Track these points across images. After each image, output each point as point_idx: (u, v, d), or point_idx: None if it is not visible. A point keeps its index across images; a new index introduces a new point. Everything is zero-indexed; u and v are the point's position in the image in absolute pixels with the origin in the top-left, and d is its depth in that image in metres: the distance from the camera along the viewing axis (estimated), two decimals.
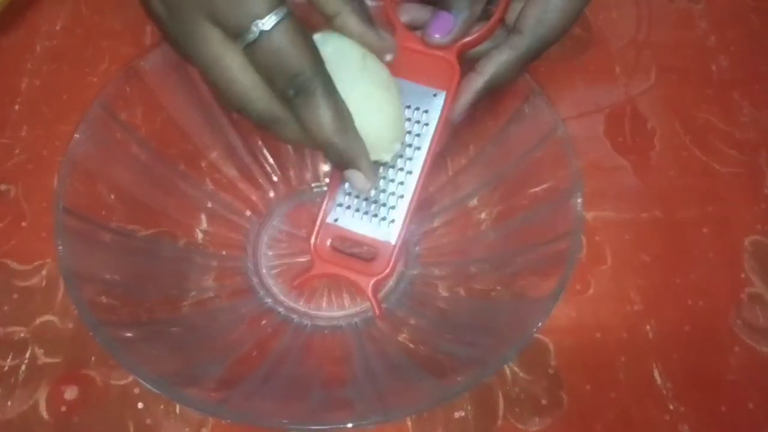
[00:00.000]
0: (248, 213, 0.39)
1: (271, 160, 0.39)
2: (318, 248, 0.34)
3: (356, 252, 0.35)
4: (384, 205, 0.33)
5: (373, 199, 0.34)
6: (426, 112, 0.32)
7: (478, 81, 0.31)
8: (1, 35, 0.45)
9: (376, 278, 0.34)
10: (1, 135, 0.41)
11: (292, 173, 0.39)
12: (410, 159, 0.32)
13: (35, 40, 0.45)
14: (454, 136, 0.38)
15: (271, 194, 0.39)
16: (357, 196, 0.34)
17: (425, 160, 0.32)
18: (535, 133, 0.33)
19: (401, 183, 0.33)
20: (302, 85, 0.25)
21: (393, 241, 0.33)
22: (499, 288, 0.35)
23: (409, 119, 0.32)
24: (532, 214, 0.34)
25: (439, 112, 0.32)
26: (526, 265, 0.34)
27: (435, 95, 0.32)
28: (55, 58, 0.44)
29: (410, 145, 0.32)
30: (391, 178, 0.33)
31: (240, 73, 0.25)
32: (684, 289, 0.37)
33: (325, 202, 0.34)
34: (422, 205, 0.39)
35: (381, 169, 0.32)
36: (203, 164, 0.38)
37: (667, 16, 0.48)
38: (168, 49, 0.34)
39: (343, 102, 0.26)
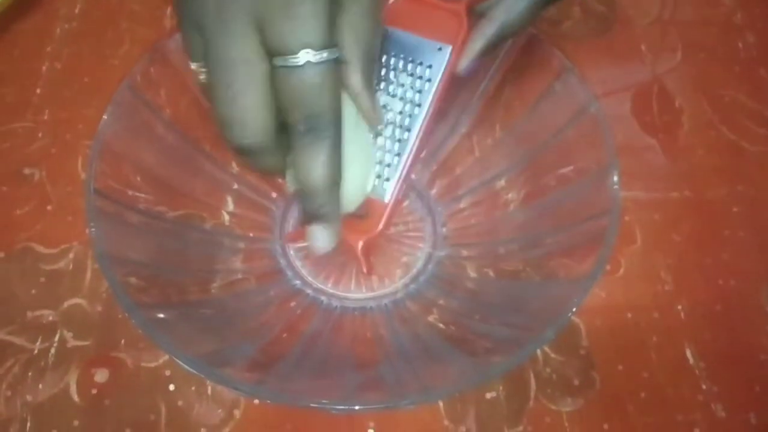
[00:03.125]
0: (274, 195, 0.38)
1: None
2: None
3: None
4: (380, 162, 0.32)
5: (376, 163, 0.32)
6: (429, 67, 0.30)
7: (488, 28, 0.29)
8: (20, 19, 0.44)
9: (366, 236, 0.32)
10: (23, 119, 0.41)
11: None
12: (410, 116, 0.31)
13: (54, 23, 0.44)
14: (482, 116, 0.38)
15: None
16: None
17: (425, 118, 0.31)
18: (566, 111, 0.33)
19: (399, 140, 0.31)
20: (318, 126, 0.24)
21: (386, 199, 0.32)
22: (528, 269, 0.34)
23: (411, 74, 0.31)
24: (563, 194, 0.34)
25: (443, 67, 0.30)
26: (557, 245, 0.33)
27: (440, 49, 0.30)
28: (74, 41, 0.44)
29: (410, 102, 0.31)
30: (388, 134, 0.31)
31: (254, 87, 0.23)
32: (715, 268, 0.37)
33: None
34: (449, 187, 0.39)
35: (380, 127, 0.31)
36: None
37: None
38: None
39: (341, 160, 0.26)
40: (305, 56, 0.23)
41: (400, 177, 0.32)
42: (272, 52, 0.23)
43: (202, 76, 0.25)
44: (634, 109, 0.42)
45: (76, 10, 0.45)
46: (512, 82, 0.36)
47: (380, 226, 0.32)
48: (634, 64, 0.44)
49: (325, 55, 0.23)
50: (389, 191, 0.32)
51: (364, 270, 0.33)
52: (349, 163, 0.27)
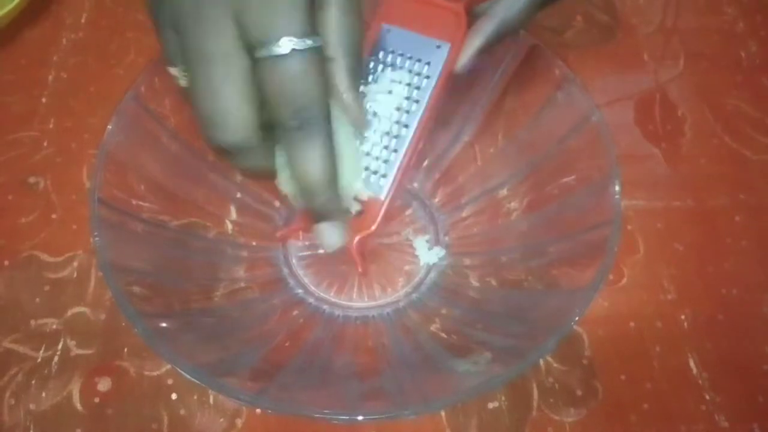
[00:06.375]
0: (277, 203, 0.38)
1: None
2: None
3: None
4: (376, 158, 0.31)
5: (365, 153, 0.31)
6: (428, 64, 0.31)
7: (487, 26, 0.30)
8: (26, 28, 0.45)
9: (361, 235, 0.31)
10: (29, 128, 0.41)
11: None
12: (407, 112, 0.31)
13: (61, 32, 0.45)
14: (484, 125, 0.38)
15: None
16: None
17: (423, 114, 0.31)
18: (568, 120, 0.33)
19: (396, 137, 0.31)
20: (309, 120, 0.23)
21: (382, 196, 0.31)
22: (531, 278, 0.34)
23: (410, 71, 0.31)
24: (565, 204, 0.34)
25: (441, 65, 0.30)
26: (559, 255, 0.33)
27: (439, 47, 0.30)
28: (80, 50, 0.44)
29: (408, 98, 0.31)
30: (385, 130, 0.31)
31: (234, 81, 0.23)
32: (717, 277, 0.37)
33: None
34: (451, 195, 0.39)
35: (376, 121, 0.31)
36: None
37: (695, 2, 0.47)
38: None
39: (333, 156, 0.25)
40: (289, 44, 0.22)
41: (396, 174, 0.31)
42: (254, 44, 0.23)
43: (183, 81, 0.25)
44: (637, 117, 0.42)
45: (83, 20, 0.46)
46: (514, 92, 0.36)
47: (375, 225, 0.31)
48: (637, 72, 0.44)
49: (309, 42, 0.23)
50: (385, 188, 0.31)
51: (359, 269, 0.33)
52: (339, 159, 0.26)
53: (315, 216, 0.27)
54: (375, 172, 0.31)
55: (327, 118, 0.24)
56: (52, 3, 0.46)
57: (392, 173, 0.31)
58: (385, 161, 0.31)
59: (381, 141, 0.31)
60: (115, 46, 0.44)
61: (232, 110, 0.23)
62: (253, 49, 0.23)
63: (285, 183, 0.27)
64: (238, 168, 0.26)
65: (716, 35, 0.46)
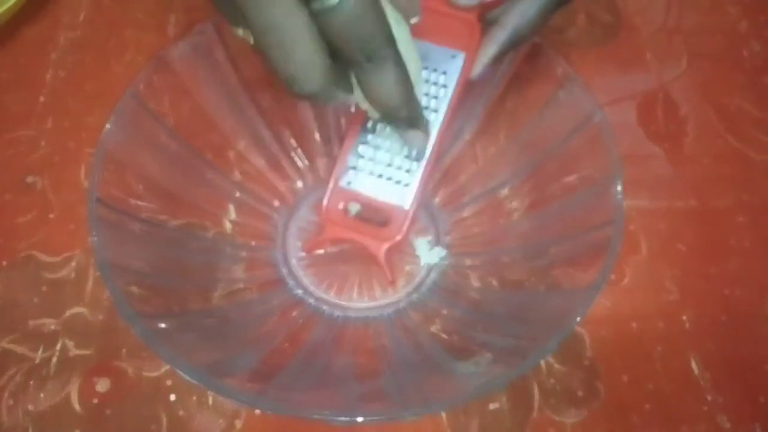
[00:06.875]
0: (276, 203, 0.38)
1: (299, 150, 0.39)
2: (329, 212, 0.34)
3: (369, 217, 0.34)
4: (399, 168, 0.32)
5: (387, 163, 0.33)
6: (444, 73, 0.31)
7: (500, 34, 0.30)
8: (24, 27, 0.44)
9: (388, 244, 0.33)
10: (26, 127, 0.41)
11: (319, 163, 0.39)
12: (427, 122, 0.31)
13: (58, 31, 0.45)
14: (485, 124, 0.38)
15: (299, 184, 0.39)
16: (371, 160, 0.33)
17: (442, 123, 0.32)
18: (570, 120, 0.33)
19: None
20: (375, 52, 0.24)
21: (407, 206, 0.32)
22: (532, 279, 0.34)
23: (426, 81, 0.31)
24: (567, 204, 0.33)
25: (458, 74, 0.31)
26: (561, 255, 0.33)
27: (454, 56, 0.31)
28: (78, 49, 0.44)
29: (427, 108, 0.32)
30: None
31: (303, 38, 0.24)
32: (720, 278, 0.36)
33: (337, 165, 0.33)
34: (453, 195, 0.39)
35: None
36: (231, 154, 0.38)
37: (698, 2, 0.47)
38: (196, 39, 0.34)
39: (407, 70, 0.26)
40: None
41: (420, 182, 0.32)
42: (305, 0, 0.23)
43: (251, 40, 0.25)
44: (639, 117, 0.42)
45: (80, 18, 0.45)
46: (516, 91, 0.36)
47: (402, 234, 0.32)
48: (639, 72, 0.44)
49: None
50: (409, 197, 0.32)
51: (389, 278, 0.34)
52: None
53: (401, 126, 0.29)
54: (398, 182, 0.32)
55: (391, 41, 0.25)
56: (50, 2, 0.45)
57: (415, 182, 0.32)
58: (408, 171, 0.32)
59: (402, 151, 0.32)
60: (114, 45, 0.44)
61: (308, 65, 0.24)
62: (308, 3, 0.23)
63: (362, 99, 0.27)
64: (325, 105, 0.28)
65: (719, 35, 0.45)
